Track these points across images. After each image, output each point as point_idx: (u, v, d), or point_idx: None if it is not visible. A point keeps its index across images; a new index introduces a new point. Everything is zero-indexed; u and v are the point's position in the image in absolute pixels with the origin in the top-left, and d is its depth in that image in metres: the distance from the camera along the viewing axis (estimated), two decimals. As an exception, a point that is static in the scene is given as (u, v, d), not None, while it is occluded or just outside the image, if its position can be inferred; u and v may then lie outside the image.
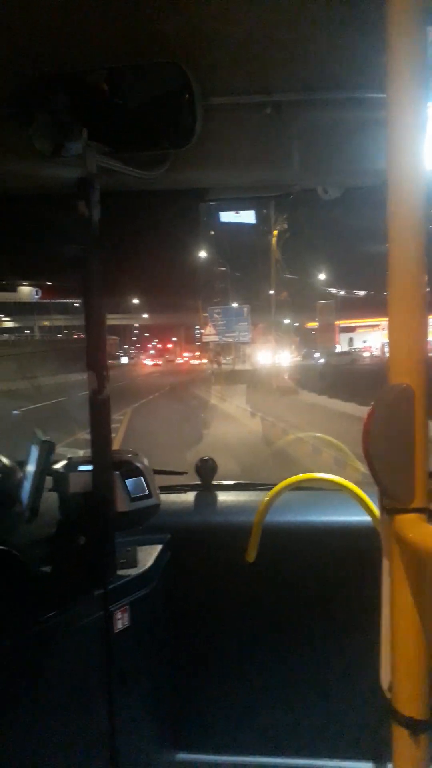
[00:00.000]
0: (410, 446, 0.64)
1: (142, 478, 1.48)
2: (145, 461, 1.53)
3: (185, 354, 54.15)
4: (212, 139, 1.17)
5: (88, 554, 1.30)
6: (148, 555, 1.52)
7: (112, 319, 60.85)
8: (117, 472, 1.42)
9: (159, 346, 77.41)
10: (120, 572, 1.40)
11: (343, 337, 47.27)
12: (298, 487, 1.53)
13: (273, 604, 1.66)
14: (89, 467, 1.27)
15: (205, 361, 42.41)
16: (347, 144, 1.19)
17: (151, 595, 1.45)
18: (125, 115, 1.11)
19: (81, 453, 1.54)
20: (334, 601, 1.60)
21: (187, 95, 1.06)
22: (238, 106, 1.15)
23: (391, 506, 0.66)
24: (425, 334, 0.64)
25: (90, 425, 1.22)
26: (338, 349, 40.66)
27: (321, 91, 1.11)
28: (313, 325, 37.28)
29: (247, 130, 1.18)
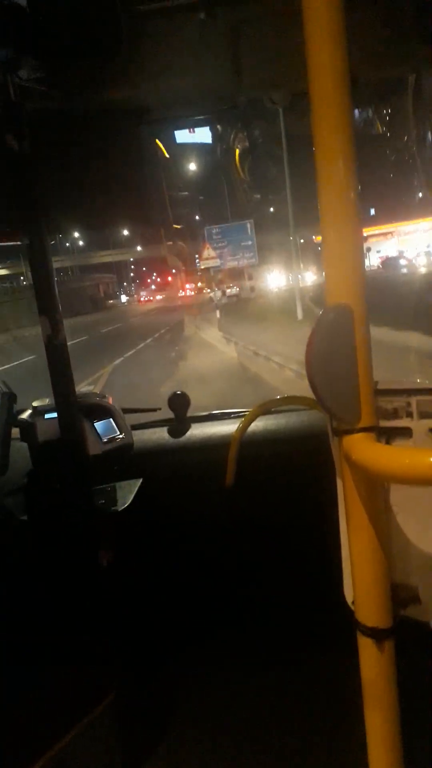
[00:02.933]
0: (353, 366, 0.63)
1: (111, 419, 1.52)
2: (111, 401, 1.54)
3: (187, 286, 50.49)
4: (143, 51, 1.07)
5: (65, 500, 1.30)
6: (127, 493, 1.50)
7: (104, 256, 57.15)
8: (84, 416, 1.43)
9: (158, 280, 73.68)
10: (100, 514, 1.39)
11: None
12: (271, 410, 1.72)
13: (251, 523, 1.69)
14: (55, 414, 1.27)
15: (209, 291, 39.64)
16: (288, 45, 1.04)
17: (133, 530, 1.48)
18: (47, 32, 0.99)
19: (46, 401, 1.47)
20: (301, 516, 1.59)
21: (110, 2, 0.97)
22: (168, 11, 1.03)
23: (339, 427, 0.65)
24: (360, 252, 0.63)
25: (49, 372, 1.19)
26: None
27: None
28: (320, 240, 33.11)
29: (179, 37, 1.08)
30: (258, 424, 1.68)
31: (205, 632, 1.78)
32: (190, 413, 1.85)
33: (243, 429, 1.31)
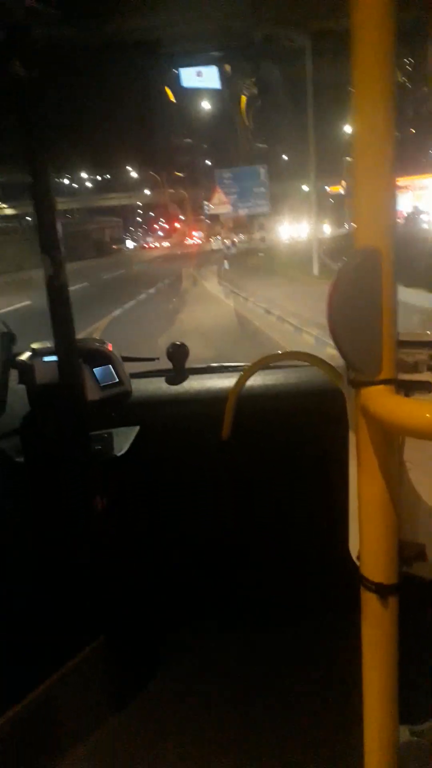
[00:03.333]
0: (377, 314, 0.60)
1: (110, 365, 1.52)
2: (111, 348, 1.54)
3: (195, 233, 48.93)
4: None
5: (62, 443, 1.30)
6: (124, 440, 1.49)
7: (110, 199, 55.37)
8: (84, 361, 1.39)
9: (166, 226, 71.64)
10: (96, 460, 1.39)
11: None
12: (271, 365, 1.73)
13: (249, 478, 1.68)
14: (54, 357, 1.25)
15: (217, 239, 38.78)
16: None
17: (129, 478, 1.48)
18: None
19: (45, 344, 1.46)
20: (306, 470, 1.60)
21: None
22: None
23: (358, 379, 0.63)
24: (393, 195, 0.60)
25: (50, 313, 1.17)
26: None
27: None
28: (337, 190, 31.63)
29: None
30: (257, 379, 1.65)
31: (201, 583, 1.75)
32: (188, 365, 1.82)
33: (242, 382, 1.31)
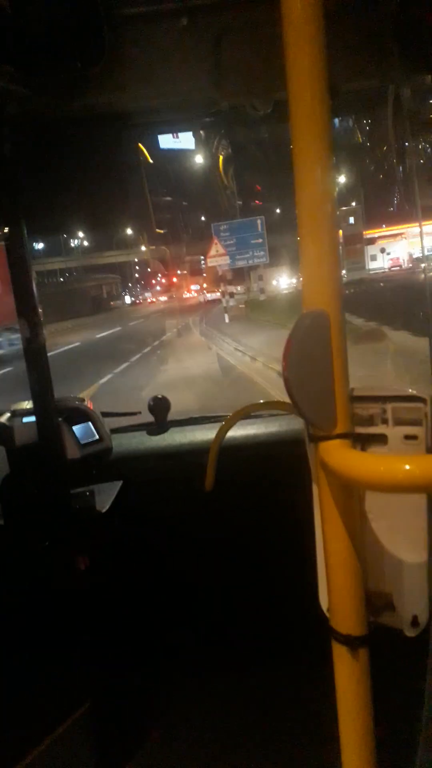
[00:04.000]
0: (329, 372, 0.63)
1: (90, 423, 1.52)
2: (91, 406, 1.55)
3: (192, 287, 48.83)
4: (126, 56, 1.08)
5: (43, 504, 1.31)
6: (106, 497, 1.48)
7: (107, 257, 56.01)
8: (63, 420, 1.43)
9: (163, 281, 72.19)
10: (78, 518, 1.38)
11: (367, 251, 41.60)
12: (252, 415, 1.76)
13: (230, 528, 1.69)
14: (33, 418, 1.29)
15: (211, 296, 38.70)
16: (270, 49, 1.06)
17: (112, 534, 1.48)
18: (29, 35, 0.98)
19: (24, 404, 1.47)
20: (279, 523, 1.57)
21: (93, 7, 0.97)
22: (150, 17, 1.05)
23: (315, 434, 0.65)
24: (337, 260, 0.64)
25: (28, 374, 1.20)
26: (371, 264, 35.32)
27: None
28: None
29: (162, 43, 1.09)
30: (238, 430, 1.65)
31: (182, 639, 1.76)
32: (170, 417, 1.84)
33: (222, 433, 1.29)
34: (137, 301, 56.54)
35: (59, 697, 1.35)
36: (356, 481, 0.60)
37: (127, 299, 59.54)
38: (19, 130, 1.10)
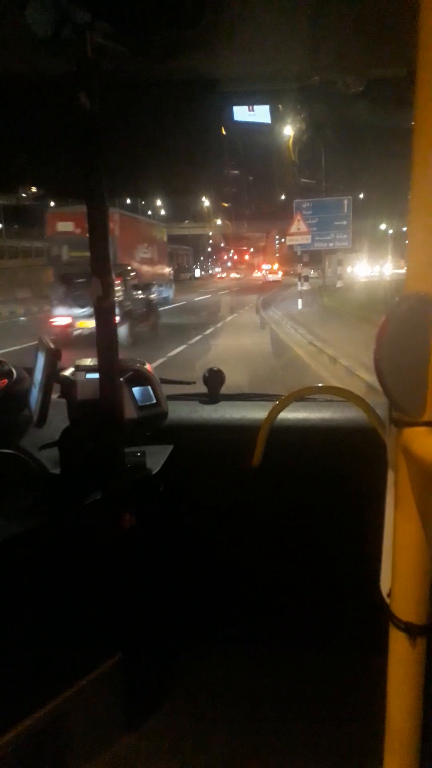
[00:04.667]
0: (425, 357, 0.61)
1: (149, 387, 1.52)
2: (151, 370, 1.55)
3: (264, 266, 47.15)
4: (222, 23, 1.07)
5: (97, 459, 1.33)
6: (156, 461, 1.51)
7: (182, 228, 55.31)
8: (124, 381, 1.43)
9: (235, 257, 70.73)
10: (128, 477, 1.40)
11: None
12: (305, 397, 1.74)
13: (277, 508, 1.68)
14: (96, 375, 1.30)
15: (272, 277, 37.19)
16: (370, 27, 1.08)
17: (158, 499, 1.49)
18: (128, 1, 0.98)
19: (88, 361, 1.50)
20: (337, 504, 1.61)
21: None
22: None
23: (400, 419, 0.64)
24: None
25: (96, 332, 1.22)
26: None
27: None
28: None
29: (259, 13, 1.07)
30: (291, 411, 1.63)
31: (224, 608, 1.75)
32: (223, 391, 1.86)
33: (276, 412, 1.31)
34: (206, 275, 55.62)
35: (89, 648, 1.36)
36: None
37: (197, 272, 58.78)
38: (110, 89, 1.08)
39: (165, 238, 25.25)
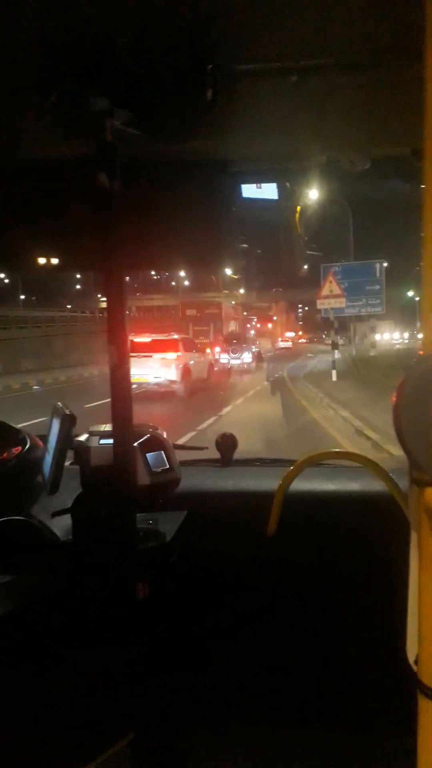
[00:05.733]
0: None
1: (162, 452, 1.51)
2: (165, 435, 1.58)
3: (287, 334, 46.08)
4: (235, 108, 1.15)
5: (110, 526, 1.32)
6: (169, 527, 1.51)
7: (205, 297, 55.44)
8: (138, 446, 1.45)
9: (258, 326, 70.39)
10: (141, 544, 1.40)
11: None
12: (319, 462, 1.74)
13: (294, 577, 1.67)
14: (110, 441, 1.30)
15: (283, 344, 36.22)
16: (374, 109, 1.15)
17: (172, 567, 1.48)
18: (146, 83, 1.05)
19: (102, 427, 1.50)
20: (356, 573, 1.61)
21: (209, 62, 1.02)
22: (262, 73, 1.07)
23: (421, 478, 0.65)
24: None
25: (111, 398, 1.24)
26: None
27: (349, 55, 1.01)
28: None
29: (271, 98, 1.14)
30: (305, 476, 1.56)
31: (240, 681, 1.70)
32: (236, 456, 1.88)
33: (290, 477, 1.27)
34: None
35: (102, 726, 1.32)
36: None
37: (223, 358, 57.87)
38: (128, 170, 1.14)
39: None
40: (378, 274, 17.20)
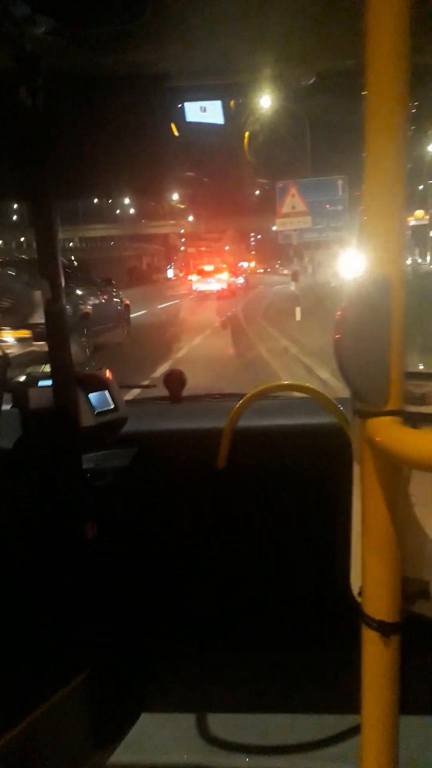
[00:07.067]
0: (386, 344, 0.60)
1: (106, 391, 1.51)
2: (109, 374, 1.56)
3: (241, 265, 43.19)
4: (169, 15, 1.05)
5: (54, 468, 1.30)
6: (118, 464, 1.50)
7: (152, 227, 52.53)
8: (79, 387, 1.41)
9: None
10: (88, 484, 1.39)
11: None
12: (268, 395, 1.73)
13: (243, 510, 1.67)
14: (50, 382, 1.28)
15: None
16: (319, 19, 1.09)
17: (122, 505, 1.49)
18: None
19: (41, 369, 1.47)
20: (304, 504, 1.60)
21: None
22: None
23: (364, 409, 0.63)
24: (404, 219, 0.61)
25: (46, 338, 1.21)
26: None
27: None
28: (420, 217, 25.37)
29: (207, 5, 1.05)
30: (254, 410, 1.50)
31: (193, 614, 1.71)
32: (185, 393, 1.85)
33: (239, 411, 1.25)
34: (180, 276, 51.65)
35: (58, 663, 1.33)
36: (406, 459, 0.58)
37: (170, 273, 54.88)
38: (53, 85, 1.05)
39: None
40: (340, 192, 14.95)
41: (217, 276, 24.25)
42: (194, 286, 24.26)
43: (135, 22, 0.98)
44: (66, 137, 1.19)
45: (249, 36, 1.13)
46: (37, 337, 7.23)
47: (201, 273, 24.82)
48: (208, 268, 25.00)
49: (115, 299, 11.18)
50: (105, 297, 10.51)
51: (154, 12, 0.98)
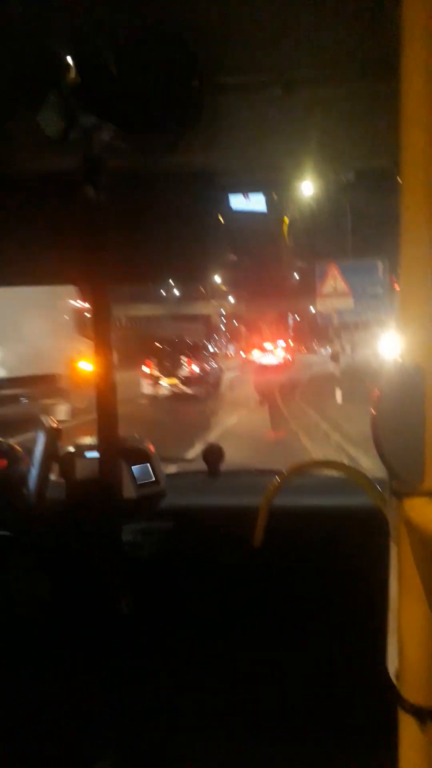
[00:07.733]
0: (420, 427, 0.62)
1: (148, 464, 1.54)
2: (152, 448, 1.59)
3: (278, 342, 43.95)
4: (221, 121, 1.17)
5: (94, 540, 1.37)
6: (154, 540, 1.55)
7: (194, 307, 54.28)
8: (123, 459, 1.48)
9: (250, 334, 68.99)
10: (126, 557, 1.44)
11: None
12: (305, 473, 1.78)
13: (278, 589, 1.67)
14: (96, 454, 1.36)
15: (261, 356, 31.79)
16: (359, 123, 1.18)
17: (157, 580, 1.53)
18: (132, 96, 1.08)
19: (87, 440, 1.53)
20: (340, 585, 1.59)
21: (194, 74, 1.04)
22: (246, 86, 1.11)
23: (400, 489, 0.65)
24: None
25: (96, 412, 1.28)
26: None
27: (332, 68, 1.05)
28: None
29: (255, 110, 1.17)
30: (293, 493, 1.60)
31: (223, 694, 1.67)
32: (223, 467, 1.88)
33: (276, 488, 1.25)
34: (218, 354, 52.71)
35: (86, 742, 1.34)
36: None
37: (231, 349, 56.66)
38: (114, 182, 1.15)
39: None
40: (381, 275, 14.96)
41: (277, 351, 30.77)
42: (257, 360, 29.91)
43: (190, 129, 1.10)
44: (121, 228, 1.30)
45: (293, 137, 1.23)
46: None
47: (262, 349, 31.19)
48: (268, 345, 31.33)
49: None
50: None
51: (207, 120, 1.08)
